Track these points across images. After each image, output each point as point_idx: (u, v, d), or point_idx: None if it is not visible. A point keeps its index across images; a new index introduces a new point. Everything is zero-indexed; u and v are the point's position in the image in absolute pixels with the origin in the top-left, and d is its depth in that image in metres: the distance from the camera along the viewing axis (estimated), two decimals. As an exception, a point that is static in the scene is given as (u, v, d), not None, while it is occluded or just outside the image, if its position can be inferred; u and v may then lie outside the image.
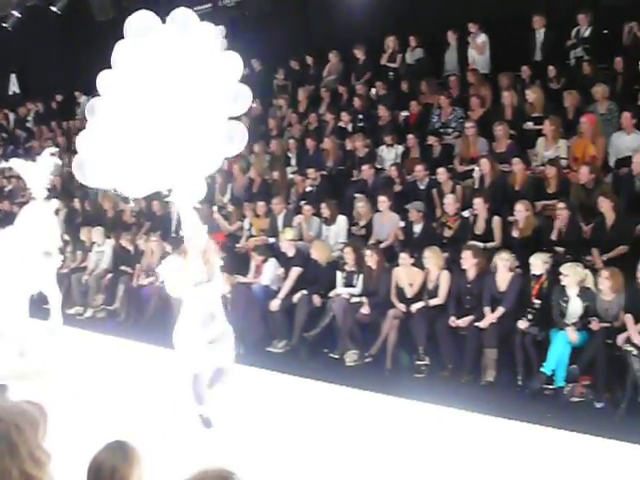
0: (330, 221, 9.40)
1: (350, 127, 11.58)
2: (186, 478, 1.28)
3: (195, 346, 5.92)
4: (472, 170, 9.36)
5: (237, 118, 5.77)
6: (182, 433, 6.01)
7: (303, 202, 10.08)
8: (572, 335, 6.68)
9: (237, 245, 10.38)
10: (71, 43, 17.34)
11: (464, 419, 6.26)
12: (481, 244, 8.06)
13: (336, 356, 8.06)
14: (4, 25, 16.20)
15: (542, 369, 6.73)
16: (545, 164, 8.76)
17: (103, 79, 5.70)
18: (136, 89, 5.55)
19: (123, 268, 11.06)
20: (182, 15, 5.65)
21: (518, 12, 11.05)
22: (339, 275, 8.45)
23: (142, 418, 6.38)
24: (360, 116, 11.60)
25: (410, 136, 10.37)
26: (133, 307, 10.56)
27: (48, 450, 1.49)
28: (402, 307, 7.80)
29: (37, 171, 8.26)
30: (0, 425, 1.42)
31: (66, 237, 11.57)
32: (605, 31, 10.46)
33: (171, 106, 5.46)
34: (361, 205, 9.36)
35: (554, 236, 7.78)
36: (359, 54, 12.55)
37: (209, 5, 15.37)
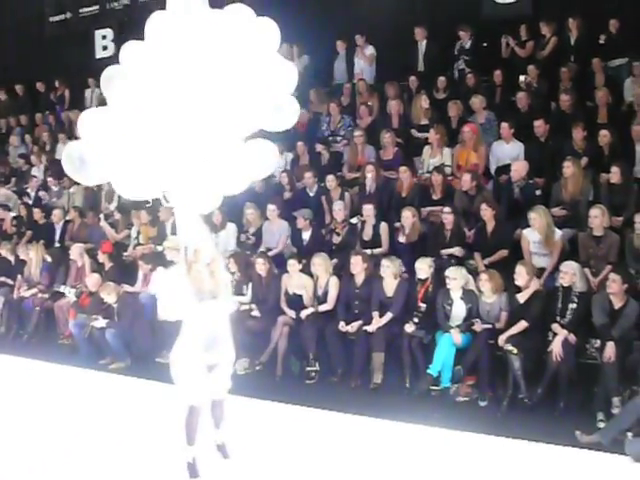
0: (219, 228, 9.29)
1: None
2: None
3: (196, 375, 5.06)
4: (360, 177, 9.49)
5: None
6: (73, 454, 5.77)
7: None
8: (456, 337, 6.89)
9: (124, 254, 10.12)
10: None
11: (354, 423, 6.31)
12: (369, 250, 8.18)
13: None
14: None
15: (428, 371, 6.90)
16: (431, 171, 9.01)
17: (129, 50, 4.92)
18: (164, 72, 4.72)
19: (3, 279, 10.56)
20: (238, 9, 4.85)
21: (401, 24, 11.36)
22: (228, 283, 8.34)
23: (21, 437, 6.07)
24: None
25: (300, 143, 10.42)
26: (14, 320, 10.10)
27: None
28: (292, 314, 7.81)
29: None
30: None
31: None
32: (484, 44, 10.88)
33: (197, 103, 4.66)
34: (250, 212, 9.31)
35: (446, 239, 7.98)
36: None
37: (96, 7, 15.05)
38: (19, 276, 10.30)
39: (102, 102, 14.38)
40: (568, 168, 7.88)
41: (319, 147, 10.32)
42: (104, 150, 4.77)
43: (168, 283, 5.21)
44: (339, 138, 10.71)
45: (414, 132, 10.07)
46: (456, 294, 7.11)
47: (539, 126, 8.83)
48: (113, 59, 14.93)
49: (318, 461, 5.51)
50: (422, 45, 11.12)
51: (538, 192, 8.09)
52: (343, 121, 10.78)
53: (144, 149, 4.74)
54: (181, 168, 4.78)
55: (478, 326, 6.94)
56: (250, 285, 8.24)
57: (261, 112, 4.85)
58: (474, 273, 7.42)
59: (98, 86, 14.60)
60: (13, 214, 11.79)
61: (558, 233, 7.49)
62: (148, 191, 5.07)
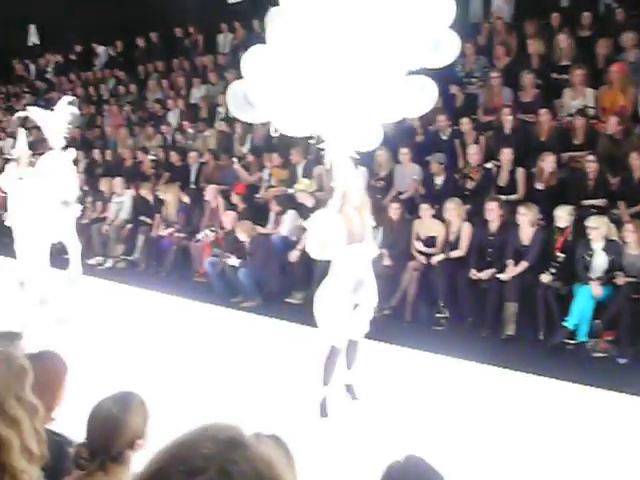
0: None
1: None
2: (186, 433, 1.16)
3: (343, 316, 5.13)
4: (496, 120, 9.11)
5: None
6: (196, 385, 5.99)
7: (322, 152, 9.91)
8: (596, 289, 6.55)
9: (257, 196, 10.29)
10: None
11: (484, 372, 6.19)
12: (504, 196, 7.89)
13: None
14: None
15: (564, 323, 6.63)
16: (572, 114, 8.51)
17: None
18: (324, 9, 4.66)
19: (142, 218, 11.04)
20: None
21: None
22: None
23: (158, 369, 6.36)
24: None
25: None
26: (153, 257, 10.58)
27: (35, 405, 1.34)
28: (422, 259, 7.69)
29: (55, 120, 8.17)
30: None
31: (86, 187, 11.57)
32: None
33: (355, 40, 4.59)
34: (381, 155, 9.18)
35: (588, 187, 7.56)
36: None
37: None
38: (157, 215, 10.72)
39: (235, 46, 14.61)
40: None
41: (453, 89, 9.95)
42: (267, 88, 4.81)
43: (320, 223, 5.10)
44: (474, 79, 10.30)
45: (555, 74, 9.51)
46: (598, 245, 6.74)
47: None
48: (245, 3, 15.18)
49: (442, 409, 5.46)
50: (568, -22, 10.43)
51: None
52: (478, 62, 10.35)
53: (305, 87, 4.74)
54: (341, 105, 4.74)
55: (621, 279, 6.57)
56: (380, 229, 8.16)
57: (420, 48, 4.70)
58: (618, 223, 6.99)
59: (231, 31, 14.88)
60: (152, 157, 12.22)
61: None
62: (308, 128, 5.06)
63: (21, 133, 8.91)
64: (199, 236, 9.82)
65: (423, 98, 4.91)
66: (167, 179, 11.58)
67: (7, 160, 8.97)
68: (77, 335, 7.20)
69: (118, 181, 11.51)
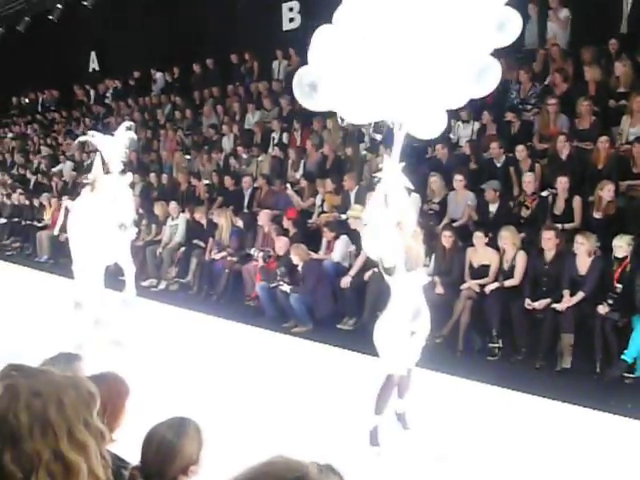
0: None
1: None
2: (249, 469, 1.16)
3: (402, 344, 5.12)
4: (551, 148, 8.99)
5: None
6: (248, 412, 6.00)
7: (377, 180, 9.92)
8: (656, 322, 6.38)
9: (309, 221, 10.35)
10: (147, 20, 17.56)
11: (538, 405, 6.06)
12: (560, 225, 7.76)
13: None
14: (84, 3, 16.51)
15: (623, 357, 6.45)
16: (631, 142, 8.36)
17: None
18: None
19: (196, 242, 11.19)
20: None
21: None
22: (411, 254, 8.27)
23: (211, 394, 6.40)
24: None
25: (485, 112, 10.06)
26: (205, 280, 10.69)
27: (101, 430, 1.36)
28: (476, 287, 7.60)
29: (114, 145, 8.36)
30: (36, 401, 1.28)
31: (141, 211, 11.80)
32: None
33: (422, 23, 4.52)
34: (435, 181, 9.16)
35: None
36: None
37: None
38: (210, 239, 10.86)
39: (289, 73, 14.85)
40: None
41: (509, 115, 9.87)
42: (333, 73, 4.77)
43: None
44: (529, 106, 10.22)
45: (612, 101, 9.36)
46: (658, 275, 6.57)
47: None
48: (299, 31, 15.40)
49: (496, 441, 5.35)
50: (627, 3, 10.27)
51: None
52: (534, 89, 10.27)
53: (371, 71, 4.68)
54: (407, 90, 4.68)
55: (682, 311, 6.39)
56: (433, 257, 8.11)
57: (485, 30, 4.62)
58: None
59: (285, 57, 15.09)
60: (206, 181, 12.41)
61: None
62: (373, 115, 5.04)
63: (97, 157, 8.99)
64: (252, 252, 9.92)
65: (488, 78, 4.80)
66: (220, 203, 11.74)
67: (83, 184, 9.16)
68: (131, 357, 7.30)
69: (173, 205, 11.71)
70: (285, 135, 12.77)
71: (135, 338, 7.95)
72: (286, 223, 9.83)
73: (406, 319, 5.09)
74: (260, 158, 12.38)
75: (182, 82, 17.10)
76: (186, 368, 7.10)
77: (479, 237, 7.76)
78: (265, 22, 15.72)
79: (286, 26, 15.56)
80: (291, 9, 15.47)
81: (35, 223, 14.92)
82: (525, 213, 8.30)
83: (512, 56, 11.01)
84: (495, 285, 7.53)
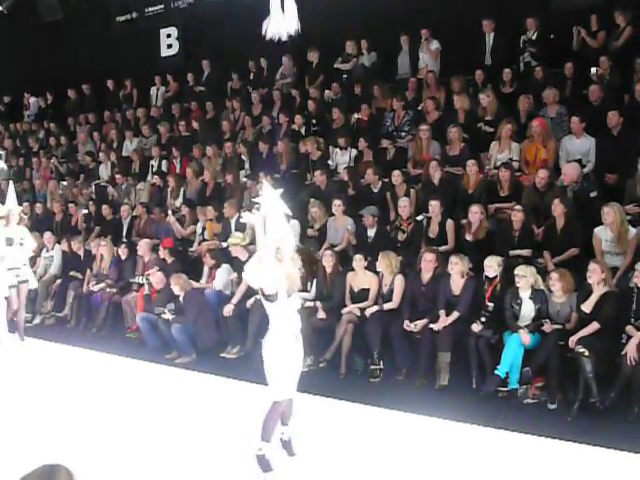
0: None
1: (303, 130, 11.53)
2: None
3: (288, 369, 5.11)
4: (424, 174, 9.35)
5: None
6: (130, 444, 5.85)
7: (256, 206, 9.94)
8: (525, 337, 6.71)
9: (190, 249, 10.24)
10: (19, 44, 16.94)
11: (419, 423, 6.23)
12: (436, 249, 8.06)
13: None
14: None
15: (496, 372, 6.74)
16: (498, 167, 8.82)
17: None
18: None
19: (73, 274, 10.83)
20: None
21: (468, 16, 11.15)
22: (293, 279, 8.35)
23: (89, 431, 6.19)
24: (314, 120, 11.55)
25: (362, 139, 10.35)
26: (83, 313, 10.35)
27: None
28: (357, 311, 7.75)
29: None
30: None
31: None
32: (552, 36, 10.59)
33: None
34: (315, 210, 9.31)
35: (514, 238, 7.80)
36: (312, 57, 12.52)
37: (161, 6, 15.24)
38: (88, 270, 10.54)
39: (167, 100, 14.75)
40: (644, 164, 7.61)
41: (384, 142, 10.20)
42: None
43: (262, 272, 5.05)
44: (403, 133, 10.60)
45: (482, 126, 9.86)
46: (525, 293, 6.94)
47: (612, 118, 8.54)
48: (177, 57, 15.35)
49: (381, 460, 5.45)
50: (490, 37, 10.90)
51: (593, 194, 7.80)
52: (407, 116, 10.67)
53: None
54: None
55: (548, 327, 6.75)
56: (315, 282, 8.21)
57: None
58: (543, 272, 7.22)
59: (163, 84, 14.97)
60: (84, 211, 12.06)
61: (632, 231, 7.24)
62: None
63: (11, 188, 9.44)
64: (137, 280, 9.73)
65: None
66: (98, 233, 11.43)
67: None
68: (5, 396, 6.97)
69: (47, 235, 11.30)
70: (164, 162, 12.63)
71: (10, 376, 7.59)
72: (162, 252, 9.67)
73: (290, 344, 5.10)
74: (139, 186, 12.17)
75: (56, 108, 16.56)
76: (64, 406, 6.82)
77: (359, 261, 7.94)
78: (143, 48, 15.56)
79: (164, 52, 15.45)
80: (169, 35, 15.39)
81: None
82: (402, 237, 8.57)
83: (385, 85, 11.45)
84: (375, 308, 7.70)
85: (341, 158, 10.55)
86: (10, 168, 14.59)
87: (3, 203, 9.45)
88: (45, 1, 15.84)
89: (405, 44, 11.78)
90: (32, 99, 17.20)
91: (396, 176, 9.26)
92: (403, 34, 11.73)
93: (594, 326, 6.47)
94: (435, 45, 11.39)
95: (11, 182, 9.88)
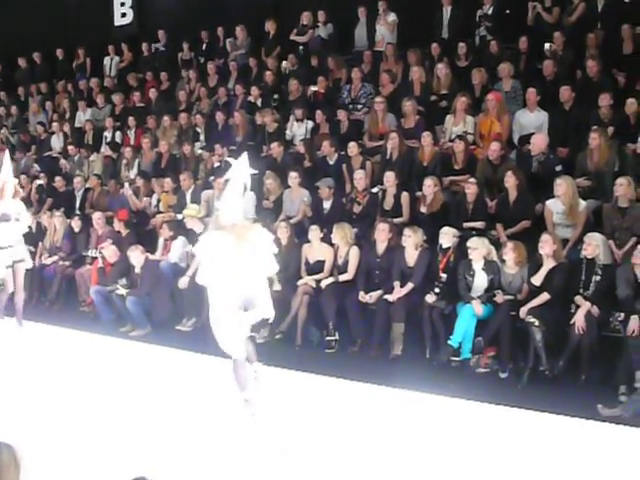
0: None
1: (260, 102, 11.44)
2: None
3: (235, 332, 5.34)
4: (381, 146, 9.38)
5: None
6: (87, 420, 5.82)
7: (212, 178, 9.89)
8: (477, 308, 6.82)
9: (150, 222, 10.13)
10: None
11: (373, 392, 6.31)
12: (390, 219, 8.11)
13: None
14: None
15: (449, 342, 6.85)
16: (453, 140, 8.88)
17: None
18: None
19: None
20: None
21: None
22: (249, 252, 8.33)
23: (42, 405, 6.13)
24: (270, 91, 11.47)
25: (319, 111, 10.32)
26: (36, 287, 10.17)
27: None
28: (312, 282, 7.78)
29: None
30: None
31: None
32: (507, 11, 10.65)
33: None
34: (270, 182, 9.27)
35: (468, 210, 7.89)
36: (270, 28, 12.40)
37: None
38: (40, 243, 10.36)
39: (121, 70, 14.49)
40: (594, 139, 7.72)
41: (340, 114, 10.17)
42: None
43: (205, 249, 5.28)
44: (360, 106, 10.59)
45: (436, 100, 9.91)
46: (478, 265, 7.03)
47: (565, 93, 8.65)
48: (131, 26, 15.10)
49: (335, 430, 5.51)
50: (447, 11, 10.90)
51: (558, 168, 7.90)
52: (364, 88, 10.65)
53: None
54: None
55: (500, 297, 6.87)
56: (270, 254, 8.20)
57: None
58: (496, 244, 7.33)
59: (118, 53, 14.73)
60: (39, 182, 11.78)
61: (582, 204, 7.37)
62: None
63: (6, 157, 8.65)
64: (90, 253, 9.59)
65: None
66: (50, 205, 11.22)
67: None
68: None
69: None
70: (118, 134, 12.42)
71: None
72: (117, 224, 9.56)
73: (235, 309, 5.23)
74: (92, 158, 11.96)
75: (6, 77, 16.11)
76: (19, 381, 6.73)
77: (314, 230, 7.95)
78: (96, 17, 15.20)
79: (118, 21, 15.13)
80: (123, 4, 15.07)
81: None
82: (357, 209, 8.59)
83: (341, 57, 11.41)
84: (330, 280, 7.74)
85: (297, 130, 10.50)
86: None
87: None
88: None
89: (362, 16, 11.72)
90: (-20, 68, 16.71)
91: (352, 148, 9.26)
92: (360, 6, 11.67)
93: (544, 297, 6.60)
94: (392, 17, 11.36)
95: (7, 151, 9.23)
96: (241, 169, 5.40)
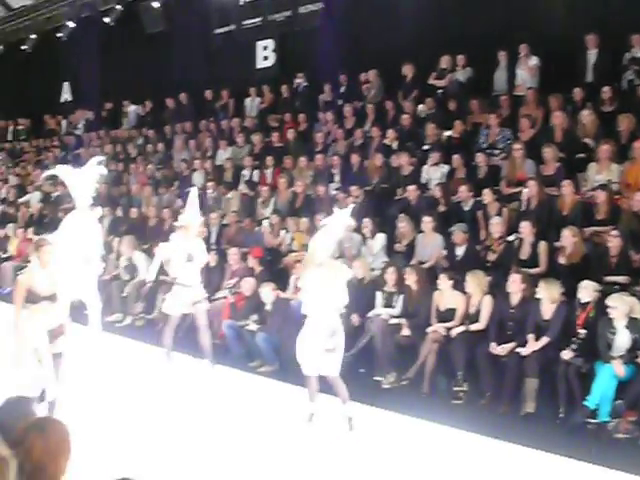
0: (369, 238, 9.33)
1: (395, 145, 11.48)
2: None
3: (308, 354, 6.48)
4: (519, 193, 9.14)
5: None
6: (212, 451, 5.94)
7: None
8: (619, 369, 6.43)
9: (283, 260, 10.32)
10: (121, 54, 17.62)
11: (501, 449, 6.07)
12: (526, 270, 7.85)
13: (376, 378, 7.92)
14: (59, 35, 16.52)
15: (585, 402, 6.49)
16: (595, 189, 8.52)
17: None
18: None
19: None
20: None
21: (569, 32, 10.86)
22: (379, 295, 8.33)
23: (172, 432, 6.32)
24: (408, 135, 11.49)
25: (456, 156, 10.21)
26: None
27: None
28: (443, 330, 7.62)
29: (83, 179, 8.29)
30: None
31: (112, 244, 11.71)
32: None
33: None
34: (403, 225, 9.23)
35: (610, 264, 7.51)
36: (407, 71, 12.48)
37: (259, 19, 15.52)
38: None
39: (261, 111, 14.99)
40: None
41: (478, 159, 10.01)
42: None
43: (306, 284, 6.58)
44: (497, 151, 10.40)
45: (579, 147, 9.56)
46: (620, 323, 6.64)
47: None
48: (273, 69, 15.68)
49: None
50: (592, 54, 10.55)
51: None
52: (502, 133, 10.47)
53: None
54: None
55: (644, 358, 6.46)
56: (401, 298, 8.14)
57: None
58: (641, 300, 6.91)
59: (258, 95, 15.26)
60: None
61: None
62: None
63: (193, 195, 8.56)
64: (219, 294, 9.84)
65: None
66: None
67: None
68: (93, 392, 7.20)
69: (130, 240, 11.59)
70: (256, 172, 12.82)
71: (100, 372, 7.83)
72: (251, 261, 9.80)
73: (318, 336, 6.35)
74: (229, 195, 12.39)
75: (154, 116, 17.12)
76: (152, 405, 7.00)
77: (442, 279, 7.81)
78: (240, 60, 15.90)
79: (260, 64, 15.73)
80: (265, 47, 15.67)
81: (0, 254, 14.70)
82: (492, 257, 8.38)
83: (482, 101, 11.27)
84: (461, 329, 7.56)
85: (433, 174, 10.43)
86: (109, 173, 15.11)
87: (101, 205, 9.60)
88: (149, 13, 16.37)
89: (503, 60, 11.56)
90: (132, 107, 17.84)
91: (487, 195, 9.08)
92: (501, 50, 11.53)
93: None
94: (534, 61, 11.13)
95: (194, 189, 8.88)
96: (340, 220, 6.74)
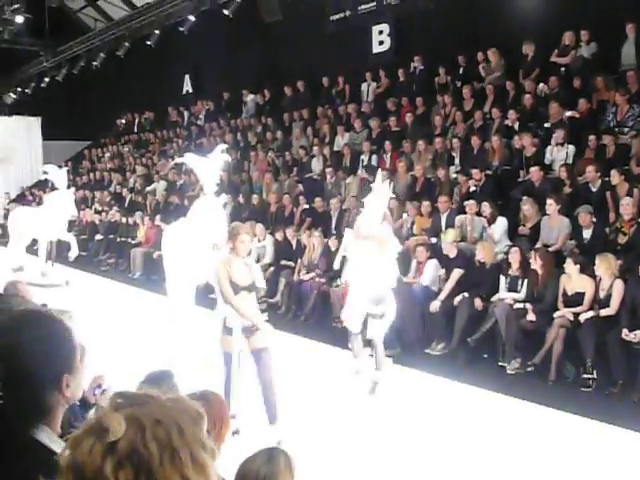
0: (490, 221, 9.15)
1: (517, 126, 11.18)
2: None
3: (355, 315, 7.08)
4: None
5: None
6: (341, 435, 6.03)
7: (467, 202, 9.82)
8: None
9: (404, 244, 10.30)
10: (240, 44, 18.04)
11: (633, 439, 5.83)
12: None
13: (500, 364, 7.80)
14: (181, 29, 17.11)
15: None
16: None
17: None
18: None
19: (285, 262, 11.33)
20: None
21: None
22: (502, 279, 8.17)
23: (300, 415, 6.47)
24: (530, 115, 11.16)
25: (582, 135, 9.82)
26: (293, 301, 10.78)
27: (212, 447, 1.38)
28: (570, 315, 7.39)
29: (209, 167, 8.56)
30: (159, 429, 1.29)
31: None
32: None
33: None
34: (527, 208, 9.00)
35: None
36: (528, 50, 12.10)
37: (374, 4, 15.46)
38: (299, 260, 10.98)
39: (378, 96, 15.00)
40: None
41: (606, 139, 9.60)
42: None
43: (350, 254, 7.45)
44: (626, 129, 9.92)
45: None
46: None
47: None
48: (388, 53, 15.59)
49: (586, 474, 5.20)
50: None
51: None
52: (631, 110, 9.97)
53: None
54: None
55: None
56: (525, 282, 7.96)
57: None
58: None
59: (375, 80, 15.27)
60: (305, 206, 12.49)
61: None
62: None
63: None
64: (339, 282, 9.93)
65: None
66: (310, 224, 11.87)
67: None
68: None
69: (260, 227, 11.87)
70: (374, 157, 12.84)
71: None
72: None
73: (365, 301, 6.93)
74: (348, 180, 12.47)
75: (273, 104, 17.45)
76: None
77: (568, 264, 7.55)
78: (355, 45, 15.92)
79: (376, 49, 15.69)
80: (381, 32, 15.60)
81: (129, 240, 15.45)
82: (622, 239, 8.03)
83: (609, 77, 10.77)
84: (590, 314, 7.30)
85: (557, 154, 10.09)
86: (230, 160, 15.57)
87: (223, 192, 9.90)
88: (266, 3, 16.65)
89: (630, 33, 10.98)
90: (250, 96, 18.25)
91: (614, 175, 8.69)
92: (628, 22, 10.95)
93: None
94: (665, 33, 10.54)
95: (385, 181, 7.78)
96: (385, 192, 7.17)
